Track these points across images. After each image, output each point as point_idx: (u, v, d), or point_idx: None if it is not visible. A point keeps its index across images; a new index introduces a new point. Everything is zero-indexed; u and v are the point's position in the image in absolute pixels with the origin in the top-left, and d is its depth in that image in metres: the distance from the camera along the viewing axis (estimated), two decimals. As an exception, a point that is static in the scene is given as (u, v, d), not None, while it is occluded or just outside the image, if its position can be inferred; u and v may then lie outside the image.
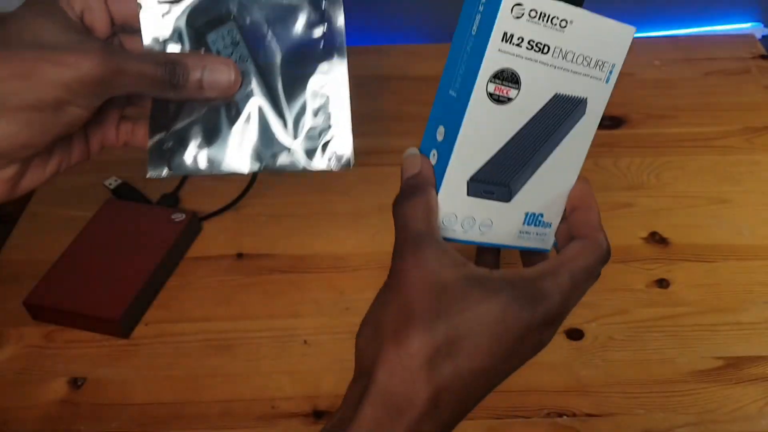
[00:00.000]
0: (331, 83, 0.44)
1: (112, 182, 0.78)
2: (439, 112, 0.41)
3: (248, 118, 0.44)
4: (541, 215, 0.43)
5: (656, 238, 0.73)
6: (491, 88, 0.38)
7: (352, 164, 0.44)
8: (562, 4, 0.38)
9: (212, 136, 0.44)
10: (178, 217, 0.73)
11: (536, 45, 0.38)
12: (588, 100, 0.41)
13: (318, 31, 0.44)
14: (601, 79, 0.41)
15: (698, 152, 0.81)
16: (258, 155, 0.44)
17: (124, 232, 0.72)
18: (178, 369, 0.64)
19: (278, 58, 0.44)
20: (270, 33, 0.43)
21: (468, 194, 0.41)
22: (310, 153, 0.44)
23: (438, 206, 0.40)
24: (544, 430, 0.59)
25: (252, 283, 0.70)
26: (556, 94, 0.40)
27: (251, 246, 0.74)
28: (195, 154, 0.44)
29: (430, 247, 0.38)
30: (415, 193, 0.40)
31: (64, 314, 0.66)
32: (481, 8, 0.38)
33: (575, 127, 0.41)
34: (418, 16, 1.01)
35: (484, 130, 0.39)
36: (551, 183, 0.42)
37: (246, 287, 0.70)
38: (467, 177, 0.40)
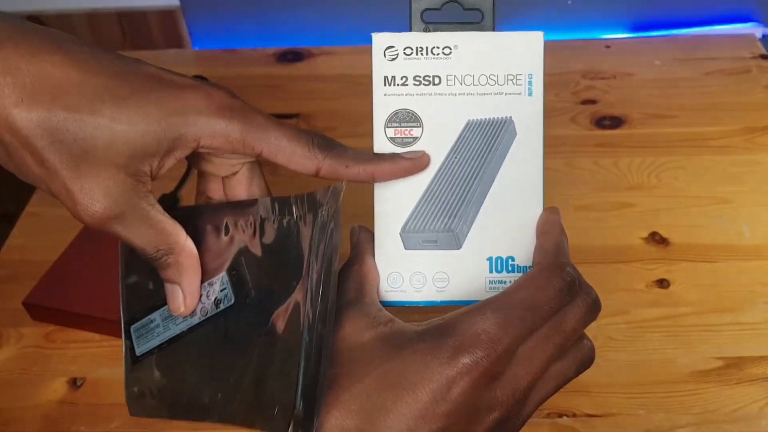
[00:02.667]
0: None
1: (112, 182, 0.78)
2: None
3: None
4: (512, 258, 0.38)
5: (656, 238, 0.72)
6: (390, 133, 0.37)
7: None
8: (439, 33, 0.37)
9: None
10: (178, 217, 0.73)
11: (424, 79, 0.37)
12: (514, 119, 0.38)
13: None
14: (520, 94, 0.37)
15: (698, 152, 0.81)
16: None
17: (124, 232, 0.72)
18: (177, 369, 0.64)
19: None
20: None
21: (405, 248, 0.38)
22: None
23: (375, 271, 0.38)
24: (545, 430, 0.59)
25: (252, 283, 0.70)
26: (469, 120, 0.37)
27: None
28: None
29: (351, 313, 0.35)
30: (351, 263, 0.38)
31: (64, 314, 0.66)
32: None
33: (513, 151, 0.38)
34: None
35: None
36: (510, 219, 0.38)
37: (246, 287, 0.70)
38: (398, 230, 0.38)
